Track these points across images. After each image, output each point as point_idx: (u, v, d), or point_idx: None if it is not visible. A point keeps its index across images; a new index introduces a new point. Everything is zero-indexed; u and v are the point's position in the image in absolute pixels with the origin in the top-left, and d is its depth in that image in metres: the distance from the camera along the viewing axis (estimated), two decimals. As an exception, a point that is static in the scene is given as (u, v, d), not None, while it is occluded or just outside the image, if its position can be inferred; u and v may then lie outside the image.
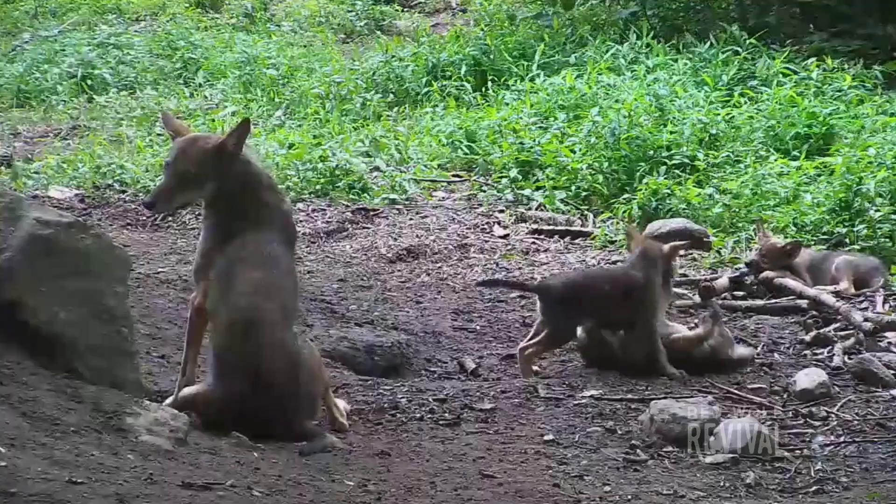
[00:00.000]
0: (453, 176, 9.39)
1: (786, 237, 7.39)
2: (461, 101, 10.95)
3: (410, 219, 8.43)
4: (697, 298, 6.89)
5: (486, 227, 8.34)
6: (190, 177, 4.77)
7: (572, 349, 6.12)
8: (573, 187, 8.71)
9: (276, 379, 4.66)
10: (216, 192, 4.82)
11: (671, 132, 8.95)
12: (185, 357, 4.87)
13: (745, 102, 9.65)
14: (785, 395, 5.55)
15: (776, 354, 6.12)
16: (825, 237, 7.56)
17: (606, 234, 8.01)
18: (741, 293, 6.98)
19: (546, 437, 5.01)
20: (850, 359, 5.90)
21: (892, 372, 5.74)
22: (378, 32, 14.95)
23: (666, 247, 6.06)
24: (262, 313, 4.70)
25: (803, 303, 6.67)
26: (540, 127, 9.55)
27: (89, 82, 12.44)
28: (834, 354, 5.99)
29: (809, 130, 8.95)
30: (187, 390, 4.75)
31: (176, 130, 4.93)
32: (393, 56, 12.03)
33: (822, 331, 6.28)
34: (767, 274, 6.96)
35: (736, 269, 7.21)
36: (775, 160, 8.52)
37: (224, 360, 4.70)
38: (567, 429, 5.12)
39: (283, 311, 4.78)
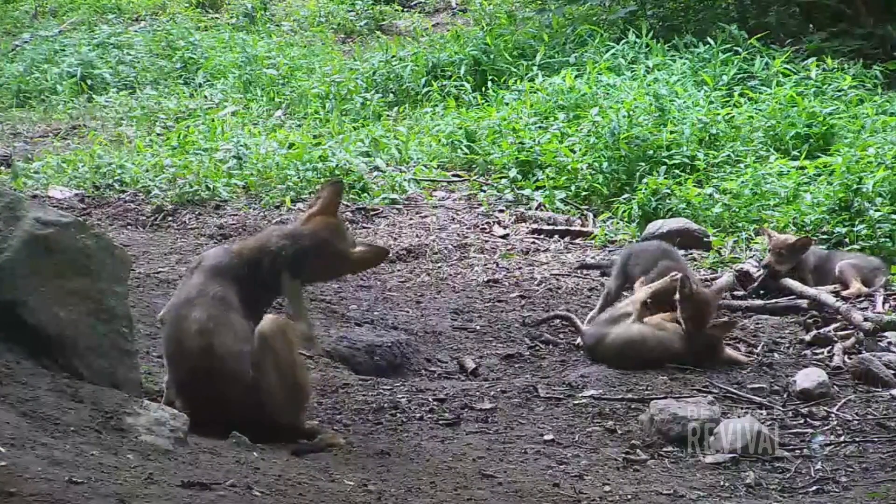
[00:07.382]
0: (453, 176, 9.38)
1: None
2: (461, 100, 10.95)
3: (410, 219, 8.42)
4: None
5: (486, 227, 8.34)
6: None
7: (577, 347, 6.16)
8: (573, 187, 8.71)
9: (247, 412, 4.55)
10: None
11: (671, 132, 8.94)
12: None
13: (745, 102, 9.65)
14: (785, 395, 5.55)
15: (776, 354, 6.12)
16: (825, 237, 7.55)
17: (606, 234, 8.01)
18: (741, 293, 6.98)
19: (546, 437, 5.01)
20: (850, 359, 5.90)
21: (892, 372, 5.73)
22: (378, 32, 14.96)
23: None
24: (215, 354, 4.55)
25: (803, 303, 6.67)
26: (540, 127, 9.55)
27: (89, 82, 12.44)
28: (834, 354, 5.99)
29: (809, 130, 8.94)
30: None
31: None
32: (393, 56, 12.03)
33: (822, 331, 6.27)
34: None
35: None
36: (775, 160, 8.51)
37: (191, 405, 4.60)
38: (567, 429, 5.12)
39: (234, 336, 4.60)
